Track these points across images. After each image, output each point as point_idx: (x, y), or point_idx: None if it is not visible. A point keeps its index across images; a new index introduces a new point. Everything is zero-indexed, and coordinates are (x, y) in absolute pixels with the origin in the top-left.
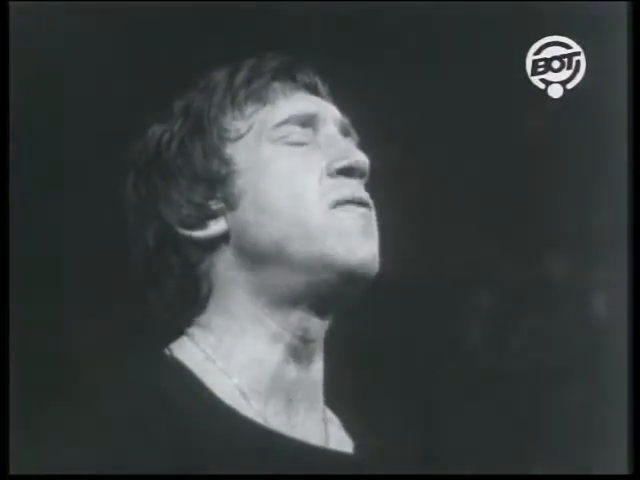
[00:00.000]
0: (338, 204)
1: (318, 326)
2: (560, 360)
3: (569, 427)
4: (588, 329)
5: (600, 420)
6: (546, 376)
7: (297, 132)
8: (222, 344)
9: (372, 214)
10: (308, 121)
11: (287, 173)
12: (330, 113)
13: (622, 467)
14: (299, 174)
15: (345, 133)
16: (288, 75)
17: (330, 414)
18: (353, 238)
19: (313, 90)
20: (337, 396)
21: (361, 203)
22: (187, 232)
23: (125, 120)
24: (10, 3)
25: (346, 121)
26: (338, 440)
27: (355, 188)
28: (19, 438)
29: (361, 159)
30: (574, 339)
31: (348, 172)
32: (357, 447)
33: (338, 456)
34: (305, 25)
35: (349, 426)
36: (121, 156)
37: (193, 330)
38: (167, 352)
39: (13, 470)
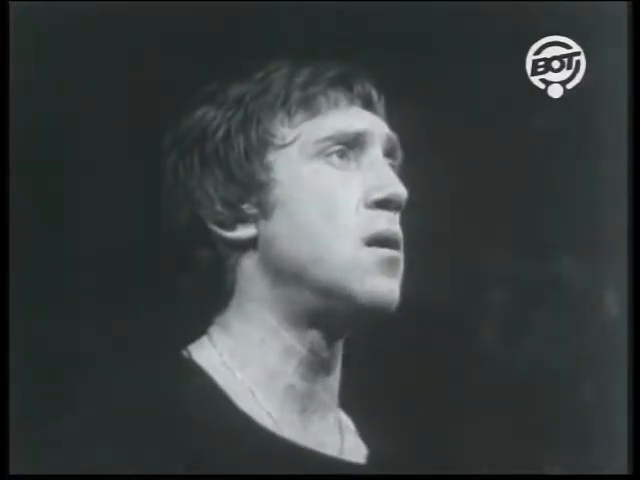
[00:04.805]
0: (371, 241)
1: (334, 343)
2: (573, 360)
3: (580, 427)
4: (601, 329)
5: (604, 420)
6: (559, 376)
7: (341, 150)
8: (239, 349)
9: (401, 255)
10: (354, 140)
11: (325, 193)
12: (379, 133)
13: (622, 467)
14: (337, 197)
15: (389, 154)
16: (345, 84)
17: (346, 421)
18: (378, 278)
19: (367, 103)
20: (351, 398)
21: (393, 240)
22: (216, 229)
23: (125, 120)
24: (10, 3)
25: (394, 137)
26: (353, 449)
27: (390, 222)
28: (19, 438)
29: (399, 191)
30: (587, 339)
31: (385, 204)
32: (371, 454)
33: (352, 466)
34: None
35: (364, 430)
36: (122, 155)
37: (213, 330)
38: (185, 354)
39: (13, 470)
